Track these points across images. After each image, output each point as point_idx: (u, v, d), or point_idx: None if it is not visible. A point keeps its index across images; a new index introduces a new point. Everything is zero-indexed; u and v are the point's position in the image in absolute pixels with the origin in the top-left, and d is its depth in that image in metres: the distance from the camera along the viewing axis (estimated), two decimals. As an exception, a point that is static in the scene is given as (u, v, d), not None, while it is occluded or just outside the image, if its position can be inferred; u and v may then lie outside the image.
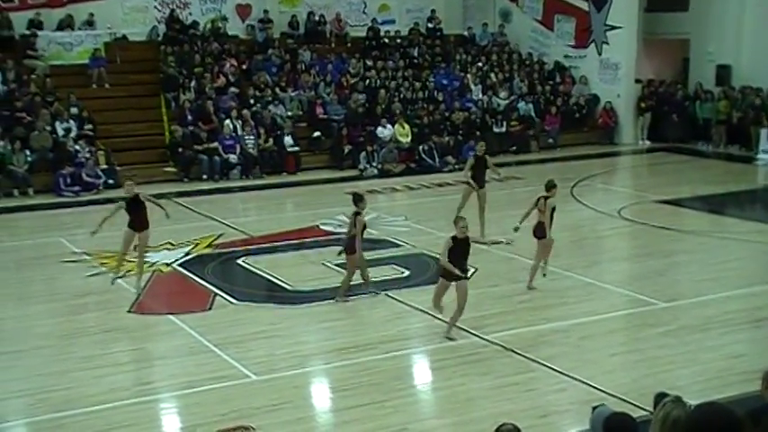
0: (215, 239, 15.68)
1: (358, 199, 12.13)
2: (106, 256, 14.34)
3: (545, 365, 9.84)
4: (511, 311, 11.72)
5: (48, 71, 22.81)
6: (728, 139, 25.03)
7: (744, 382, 8.47)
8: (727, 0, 25.41)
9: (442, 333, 10.73)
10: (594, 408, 5.62)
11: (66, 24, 24.05)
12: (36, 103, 21.48)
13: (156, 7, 25.67)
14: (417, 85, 25.77)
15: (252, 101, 23.49)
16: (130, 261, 13.16)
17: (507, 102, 25.98)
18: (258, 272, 13.84)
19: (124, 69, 24.05)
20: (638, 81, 26.74)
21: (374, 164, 22.57)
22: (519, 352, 10.22)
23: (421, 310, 11.72)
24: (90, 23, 24.21)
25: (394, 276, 13.37)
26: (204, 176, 21.49)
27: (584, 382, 9.32)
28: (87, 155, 20.46)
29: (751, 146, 24.12)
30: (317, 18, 27.21)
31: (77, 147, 20.58)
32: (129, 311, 12.03)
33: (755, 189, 21.24)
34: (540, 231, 12.31)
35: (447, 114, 24.77)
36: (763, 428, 4.83)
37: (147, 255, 14.00)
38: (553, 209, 12.29)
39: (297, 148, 22.74)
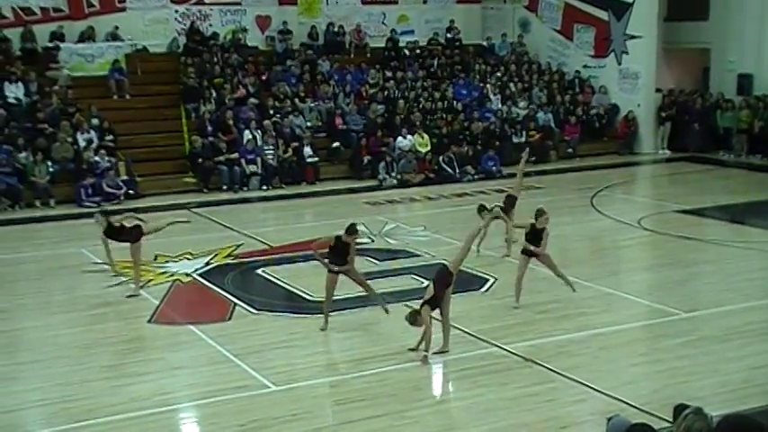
0: (234, 249, 15.73)
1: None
2: (127, 266, 14.40)
3: (564, 376, 9.79)
4: (530, 322, 11.65)
5: (69, 82, 23.00)
6: (749, 148, 24.90)
7: (766, 393, 8.39)
8: (747, 9, 25.31)
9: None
10: (609, 419, 5.59)
11: (87, 36, 24.28)
12: (57, 115, 21.65)
13: (176, 19, 25.88)
14: (436, 95, 25.80)
15: (271, 111, 23.58)
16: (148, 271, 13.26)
17: (526, 112, 25.94)
18: (277, 282, 13.86)
19: (145, 81, 24.25)
20: (658, 90, 26.64)
21: (393, 174, 22.57)
22: (538, 362, 10.17)
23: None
24: (114, 36, 24.43)
25: (413, 287, 13.34)
26: (224, 187, 21.56)
27: (603, 393, 9.26)
28: (108, 165, 20.59)
29: (772, 155, 23.98)
30: (336, 29, 27.33)
31: (98, 157, 20.71)
32: (149, 321, 12.09)
33: (777, 198, 21.05)
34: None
35: (466, 124, 24.76)
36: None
37: (167, 264, 14.16)
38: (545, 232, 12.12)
39: (316, 159, 22.80)
